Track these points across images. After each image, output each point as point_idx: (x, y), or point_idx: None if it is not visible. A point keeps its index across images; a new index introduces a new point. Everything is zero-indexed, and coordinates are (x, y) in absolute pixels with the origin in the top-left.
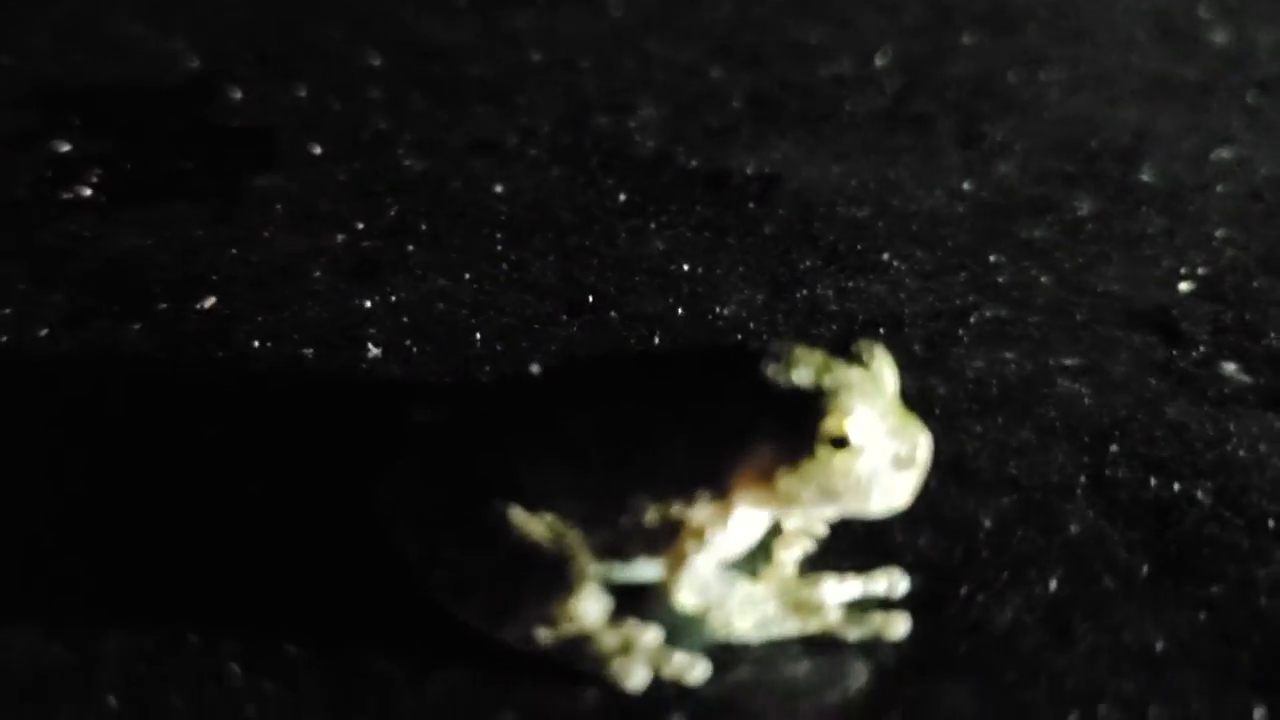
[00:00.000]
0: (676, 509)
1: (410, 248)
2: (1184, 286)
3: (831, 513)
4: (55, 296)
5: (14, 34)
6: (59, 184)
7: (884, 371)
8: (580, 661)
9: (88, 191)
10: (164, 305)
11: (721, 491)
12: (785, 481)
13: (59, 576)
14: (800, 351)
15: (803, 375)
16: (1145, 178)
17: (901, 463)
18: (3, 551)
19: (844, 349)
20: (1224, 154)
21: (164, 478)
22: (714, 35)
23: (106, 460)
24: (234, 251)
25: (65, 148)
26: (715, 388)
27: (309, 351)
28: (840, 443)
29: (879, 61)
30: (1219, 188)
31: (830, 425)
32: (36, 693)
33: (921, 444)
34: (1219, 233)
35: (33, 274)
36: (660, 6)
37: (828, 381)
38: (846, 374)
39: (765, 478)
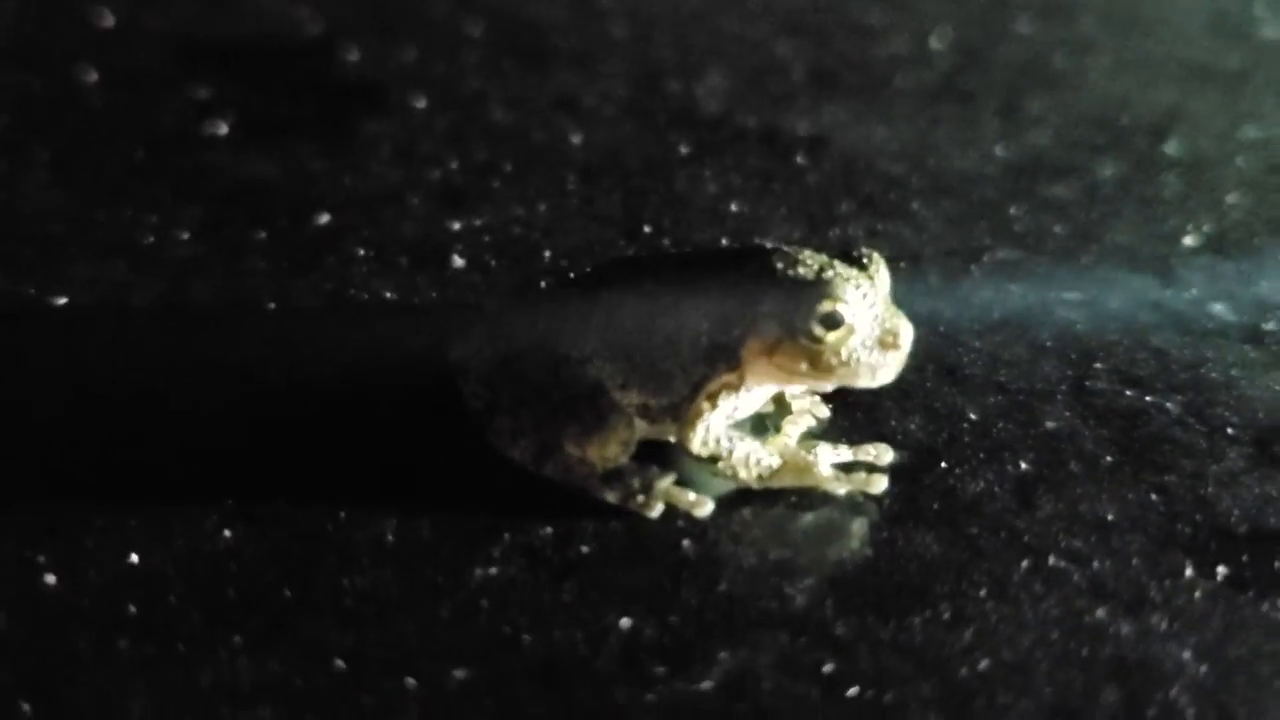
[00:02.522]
0: (697, 376)
1: (494, 183)
2: (1188, 240)
3: (826, 386)
4: (193, 209)
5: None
6: (198, 121)
7: (878, 271)
8: (609, 494)
9: (222, 129)
10: (285, 220)
11: (734, 363)
12: (787, 355)
13: (201, 435)
14: (806, 252)
15: (807, 269)
16: (1170, 150)
17: (885, 345)
18: (150, 417)
19: (846, 255)
20: (1250, 133)
21: (280, 349)
22: (781, 15)
23: (231, 334)
24: (346, 180)
25: (203, 93)
26: (732, 276)
27: (404, 260)
28: (833, 323)
29: (934, 44)
30: (1239, 161)
31: (825, 307)
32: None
33: (904, 331)
34: (1230, 198)
35: (175, 190)
36: None
37: (828, 274)
38: (845, 269)
39: (770, 352)
